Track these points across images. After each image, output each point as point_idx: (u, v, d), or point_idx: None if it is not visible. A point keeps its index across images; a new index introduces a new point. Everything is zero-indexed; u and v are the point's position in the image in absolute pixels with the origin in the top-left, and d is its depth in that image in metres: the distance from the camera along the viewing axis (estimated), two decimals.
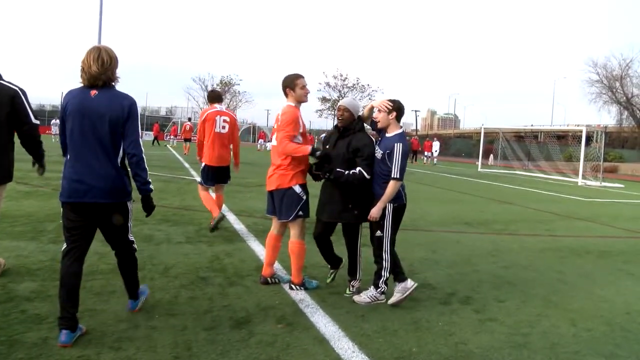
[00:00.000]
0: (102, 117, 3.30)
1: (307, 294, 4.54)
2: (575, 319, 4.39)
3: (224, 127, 7.26)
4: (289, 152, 4.44)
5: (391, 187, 4.29)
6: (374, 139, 4.48)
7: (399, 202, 4.45)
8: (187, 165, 19.49)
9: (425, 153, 37.94)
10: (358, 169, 4.35)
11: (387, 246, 4.46)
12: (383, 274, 4.49)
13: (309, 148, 4.47)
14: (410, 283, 4.51)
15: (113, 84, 3.43)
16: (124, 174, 3.47)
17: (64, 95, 3.50)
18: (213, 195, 7.50)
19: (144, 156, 3.48)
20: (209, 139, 7.19)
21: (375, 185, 4.45)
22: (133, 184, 3.53)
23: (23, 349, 3.15)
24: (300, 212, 4.57)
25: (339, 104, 4.51)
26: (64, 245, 3.48)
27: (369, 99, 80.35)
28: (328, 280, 4.86)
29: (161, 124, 47.98)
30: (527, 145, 40.67)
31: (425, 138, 47.04)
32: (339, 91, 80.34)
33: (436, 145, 37.91)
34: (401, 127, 4.57)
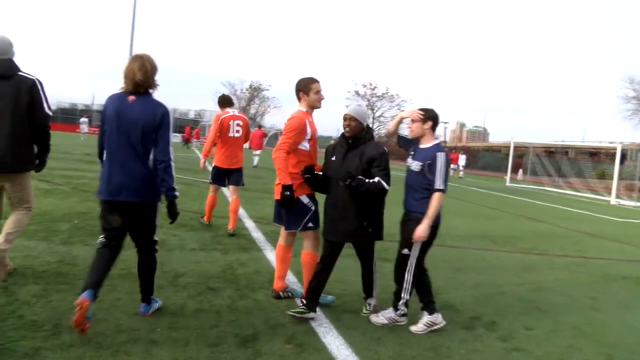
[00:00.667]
0: (136, 123, 3.51)
1: (320, 311, 4.27)
2: (611, 355, 4.03)
3: (237, 132, 7.32)
4: (275, 164, 4.15)
5: (436, 200, 3.99)
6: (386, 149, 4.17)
7: (435, 222, 4.08)
8: (210, 168, 19.34)
9: (452, 165, 37.28)
10: (377, 178, 3.99)
11: (411, 266, 4.14)
12: (403, 296, 4.17)
13: (287, 181, 4.05)
14: (439, 319, 4.18)
15: (151, 90, 3.61)
16: (155, 176, 3.60)
17: (105, 99, 3.71)
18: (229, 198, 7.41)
19: (172, 163, 3.60)
20: (224, 143, 7.27)
21: (411, 200, 4.18)
22: None
23: (13, 359, 2.96)
24: (310, 224, 4.34)
25: (344, 113, 4.15)
26: (101, 238, 3.70)
27: (398, 109, 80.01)
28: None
29: (190, 126, 48.24)
30: (557, 161, 39.71)
31: (452, 150, 46.33)
32: (368, 100, 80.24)
33: (462, 160, 37.17)
34: (437, 137, 4.29)
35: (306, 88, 4.36)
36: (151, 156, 3.57)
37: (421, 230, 3.97)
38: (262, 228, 7.71)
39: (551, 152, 42.29)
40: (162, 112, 3.57)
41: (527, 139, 41.13)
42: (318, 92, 4.38)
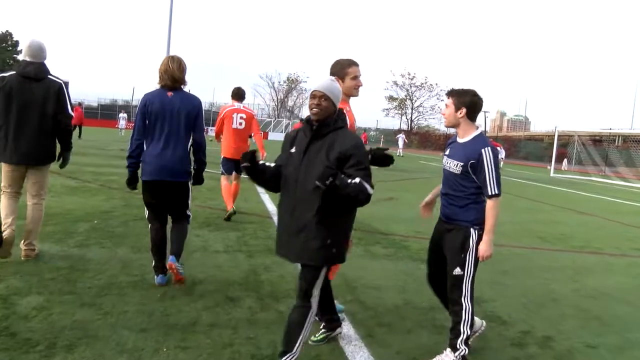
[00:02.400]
0: (179, 113, 4.26)
1: (350, 325, 3.80)
2: None
3: (240, 124, 7.61)
4: None
5: (493, 209, 3.19)
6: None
7: (483, 229, 3.28)
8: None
9: None
10: (357, 179, 2.77)
11: (467, 289, 3.28)
12: (462, 330, 3.26)
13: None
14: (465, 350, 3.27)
15: (183, 86, 4.38)
16: (189, 158, 4.42)
17: (142, 96, 4.38)
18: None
19: (205, 144, 4.53)
20: (228, 134, 7.58)
21: (453, 207, 3.36)
22: None
23: None
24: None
25: (313, 89, 2.97)
26: (147, 213, 4.49)
27: (437, 98, 78.76)
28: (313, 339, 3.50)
29: None
30: (604, 149, 38.03)
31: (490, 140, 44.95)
32: (407, 90, 79.32)
33: (502, 153, 35.74)
34: (477, 127, 3.43)
35: (342, 72, 3.66)
36: (190, 140, 4.39)
37: (484, 250, 3.22)
38: None
39: (597, 140, 40.60)
40: (198, 103, 4.45)
41: (570, 127, 39.46)
42: (356, 77, 3.70)
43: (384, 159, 3.32)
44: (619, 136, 45.22)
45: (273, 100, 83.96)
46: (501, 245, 7.29)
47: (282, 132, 63.70)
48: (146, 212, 4.50)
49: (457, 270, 3.28)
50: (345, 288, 4.62)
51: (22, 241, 4.69)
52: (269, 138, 58.22)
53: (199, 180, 4.60)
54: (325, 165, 2.76)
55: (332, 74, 3.69)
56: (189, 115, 4.30)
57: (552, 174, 30.09)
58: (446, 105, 3.39)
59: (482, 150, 3.20)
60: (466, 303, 3.27)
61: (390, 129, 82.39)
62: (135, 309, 3.76)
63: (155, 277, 4.37)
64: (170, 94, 4.26)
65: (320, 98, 2.93)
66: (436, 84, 76.55)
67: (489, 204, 3.20)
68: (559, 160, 36.28)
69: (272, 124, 67.21)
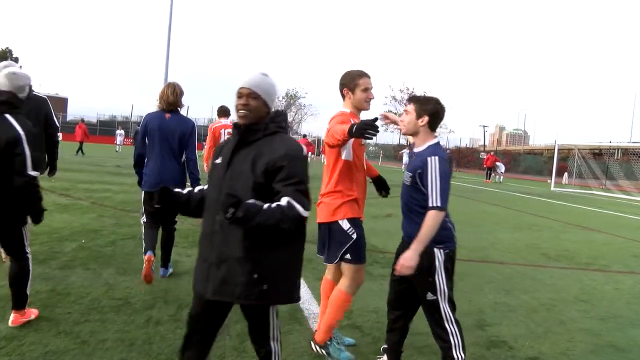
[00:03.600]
0: (174, 132, 4.85)
1: (347, 352, 3.55)
2: None
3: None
4: (333, 135, 3.12)
5: (431, 220, 2.86)
6: (303, 146, 2.59)
7: (449, 247, 3.08)
8: None
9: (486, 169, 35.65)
10: (285, 200, 2.25)
11: (447, 312, 3.04)
12: (456, 355, 3.02)
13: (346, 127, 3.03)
14: None
15: (179, 109, 4.98)
16: (184, 171, 4.95)
17: (144, 116, 5.03)
18: None
19: (197, 159, 5.05)
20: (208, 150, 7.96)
21: (410, 223, 3.13)
22: None
23: None
24: (348, 255, 3.35)
25: (239, 85, 2.46)
26: (144, 219, 5.02)
27: None
28: None
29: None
30: (605, 162, 37.84)
31: (488, 153, 44.72)
32: (405, 105, 79.15)
33: (502, 167, 35.48)
34: (436, 136, 3.21)
35: (352, 83, 3.42)
36: (183, 156, 4.92)
37: (406, 259, 2.84)
38: None
39: (597, 153, 40.41)
40: (192, 125, 5.04)
41: (570, 140, 39.31)
42: (367, 89, 3.46)
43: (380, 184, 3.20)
44: (618, 149, 45.07)
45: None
46: (503, 262, 7.06)
47: None
48: (143, 219, 5.04)
49: (430, 295, 3.04)
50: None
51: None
52: None
53: None
54: (227, 193, 2.16)
55: (341, 85, 3.49)
56: (183, 135, 4.90)
57: (552, 188, 29.85)
58: (406, 111, 3.17)
59: (428, 158, 2.98)
60: (451, 328, 3.03)
61: (389, 144, 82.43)
62: (116, 337, 3.51)
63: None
64: (167, 115, 4.88)
65: (247, 97, 2.42)
66: None
67: (429, 214, 2.89)
68: (560, 174, 36.07)
69: None
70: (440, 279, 3.02)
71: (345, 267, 3.43)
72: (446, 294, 3.03)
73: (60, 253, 5.61)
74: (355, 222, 3.42)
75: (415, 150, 3.17)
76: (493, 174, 34.52)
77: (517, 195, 21.91)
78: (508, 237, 9.50)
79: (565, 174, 38.16)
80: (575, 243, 9.45)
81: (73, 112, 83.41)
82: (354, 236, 3.37)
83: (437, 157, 2.97)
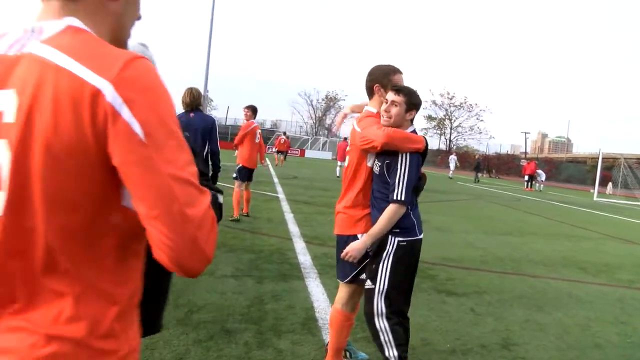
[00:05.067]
0: (197, 129, 5.78)
1: None
2: None
3: (258, 139, 9.18)
4: (399, 138, 2.86)
5: (389, 213, 2.76)
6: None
7: (407, 236, 2.85)
8: (276, 180, 18.82)
9: (526, 177, 34.58)
10: None
11: (380, 306, 2.83)
12: (388, 355, 2.82)
13: (423, 141, 2.93)
14: None
15: (200, 108, 5.97)
16: (206, 162, 5.62)
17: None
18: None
19: (219, 152, 6.26)
20: (250, 147, 8.97)
21: (376, 213, 2.91)
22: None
23: None
24: (363, 275, 3.05)
25: None
26: None
27: (477, 119, 77.56)
28: None
29: (265, 136, 47.93)
30: None
31: (528, 160, 43.50)
32: (446, 110, 78.73)
33: (542, 175, 34.36)
34: (412, 125, 3.05)
35: (385, 79, 3.11)
36: (207, 148, 5.93)
37: (352, 249, 2.81)
38: (313, 250, 6.84)
39: None
40: (212, 121, 6.21)
41: (616, 149, 37.86)
42: None
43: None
44: None
45: (311, 117, 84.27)
46: (535, 276, 6.70)
47: (319, 149, 63.51)
48: None
49: (369, 283, 2.89)
50: (357, 323, 4.15)
51: None
52: (306, 155, 58.21)
53: (214, 181, 5.78)
54: None
55: (372, 80, 3.16)
56: (204, 130, 5.97)
57: (595, 198, 28.78)
58: (394, 102, 2.91)
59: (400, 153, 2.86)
60: (380, 323, 2.84)
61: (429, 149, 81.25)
62: None
63: None
64: (192, 114, 5.88)
65: None
66: (476, 104, 75.81)
67: (389, 208, 2.78)
68: (603, 183, 34.79)
69: (310, 141, 67.16)
70: (384, 269, 2.83)
71: (352, 287, 3.15)
72: (384, 288, 2.83)
73: None
74: None
75: None
76: (535, 182, 33.52)
77: (557, 205, 21.17)
78: (544, 248, 9.08)
79: (610, 183, 36.80)
80: (617, 257, 8.95)
81: None
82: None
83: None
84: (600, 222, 15.64)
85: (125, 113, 0.88)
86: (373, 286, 2.85)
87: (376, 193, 2.95)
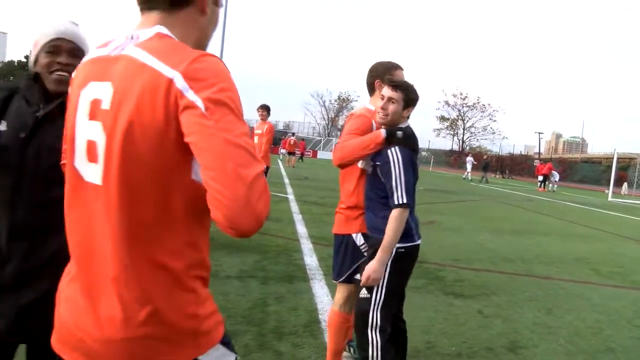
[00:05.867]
0: None
1: None
2: None
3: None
4: (348, 153, 2.81)
5: (396, 221, 2.59)
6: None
7: (405, 243, 2.71)
8: (287, 180, 18.78)
9: (539, 178, 34.20)
10: None
11: (376, 318, 2.69)
12: None
13: (382, 131, 2.75)
14: None
15: None
16: None
17: None
18: None
19: None
20: (268, 147, 9.29)
21: (370, 215, 2.84)
22: None
23: None
24: (358, 276, 2.96)
25: (51, 36, 1.82)
26: None
27: (490, 119, 77.02)
28: None
29: (278, 137, 47.85)
30: None
31: (541, 161, 43.05)
32: (459, 110, 78.45)
33: (555, 176, 33.98)
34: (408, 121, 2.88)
35: (387, 74, 3.03)
36: None
37: (372, 270, 2.60)
38: (319, 251, 6.77)
39: None
40: None
41: (631, 149, 37.33)
42: None
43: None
44: None
45: (323, 118, 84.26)
46: (548, 277, 6.57)
47: (331, 151, 63.39)
48: None
49: (364, 292, 2.73)
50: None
51: None
52: (318, 156, 58.12)
53: None
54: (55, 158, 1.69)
55: (373, 77, 3.13)
56: None
57: (610, 198, 28.38)
58: (391, 99, 2.73)
59: (388, 151, 2.68)
60: (373, 335, 2.68)
61: (441, 149, 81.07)
62: None
63: None
64: None
65: (70, 54, 1.83)
66: (489, 104, 75.46)
67: (393, 214, 2.60)
68: (618, 184, 34.32)
69: (322, 142, 67.10)
70: (382, 279, 2.67)
71: (349, 287, 3.10)
72: (381, 298, 2.68)
73: None
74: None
75: None
76: (548, 183, 33.16)
77: (570, 205, 20.90)
78: (556, 249, 8.92)
79: (625, 184, 36.32)
80: (631, 259, 8.77)
81: None
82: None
83: (397, 148, 2.67)
84: (615, 222, 15.38)
85: (190, 94, 1.07)
86: (369, 296, 2.71)
87: (369, 194, 2.85)
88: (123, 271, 1.12)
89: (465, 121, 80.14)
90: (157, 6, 1.22)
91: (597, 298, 5.80)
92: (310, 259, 6.30)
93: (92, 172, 1.16)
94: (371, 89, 3.16)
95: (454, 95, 78.06)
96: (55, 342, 1.24)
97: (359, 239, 3.05)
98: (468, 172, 37.72)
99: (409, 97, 2.76)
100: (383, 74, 3.06)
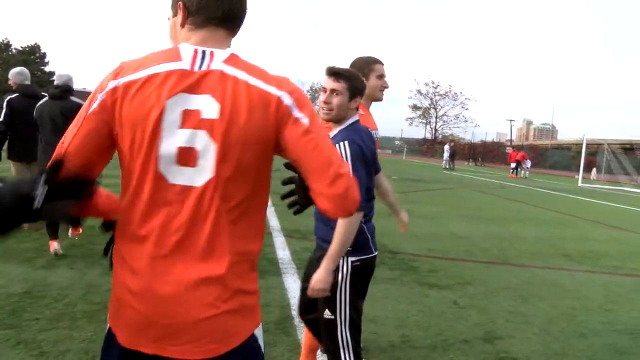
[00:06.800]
0: None
1: None
2: None
3: None
4: None
5: (345, 226, 2.27)
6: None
7: (360, 255, 2.47)
8: None
9: (512, 165, 34.72)
10: None
11: (345, 337, 2.45)
12: None
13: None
14: None
15: None
16: None
17: None
18: None
19: None
20: None
21: (318, 223, 2.59)
22: None
23: None
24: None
25: None
26: None
27: (462, 107, 77.70)
28: None
29: None
30: (637, 157, 36.60)
31: (513, 148, 43.70)
32: (431, 99, 78.94)
33: (527, 163, 34.53)
34: (357, 112, 2.52)
35: (366, 68, 2.96)
36: None
37: (317, 280, 2.31)
38: (293, 244, 6.65)
39: (629, 148, 39.15)
40: None
41: (600, 135, 38.07)
42: (382, 76, 3.02)
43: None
44: None
45: None
46: (522, 265, 6.59)
47: None
48: None
49: (327, 313, 2.46)
50: None
51: None
52: None
53: None
54: None
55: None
56: None
57: (580, 184, 28.92)
58: (334, 91, 2.39)
59: (337, 145, 2.30)
60: (347, 354, 2.44)
61: (414, 138, 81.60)
62: (80, 347, 3.20)
63: None
64: None
65: None
66: (461, 93, 76.07)
67: (341, 221, 2.29)
68: (588, 169, 35.02)
69: None
70: (343, 296, 2.43)
71: None
72: (347, 315, 2.44)
73: (48, 251, 5.34)
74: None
75: (331, 134, 2.44)
76: (520, 169, 33.65)
77: (542, 192, 21.22)
78: (530, 236, 8.99)
79: (594, 169, 37.09)
80: (601, 243, 8.89)
81: None
82: None
83: (347, 142, 2.32)
84: (585, 208, 15.64)
85: (296, 112, 1.31)
86: (333, 317, 2.45)
87: None
88: (217, 261, 1.29)
89: (437, 110, 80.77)
90: (233, 27, 1.41)
91: (569, 284, 5.83)
92: (283, 253, 6.19)
93: (183, 175, 1.28)
94: None
95: (426, 84, 78.39)
96: (135, 338, 1.30)
97: None
98: (445, 161, 37.95)
99: (355, 86, 2.41)
100: (363, 67, 2.95)
